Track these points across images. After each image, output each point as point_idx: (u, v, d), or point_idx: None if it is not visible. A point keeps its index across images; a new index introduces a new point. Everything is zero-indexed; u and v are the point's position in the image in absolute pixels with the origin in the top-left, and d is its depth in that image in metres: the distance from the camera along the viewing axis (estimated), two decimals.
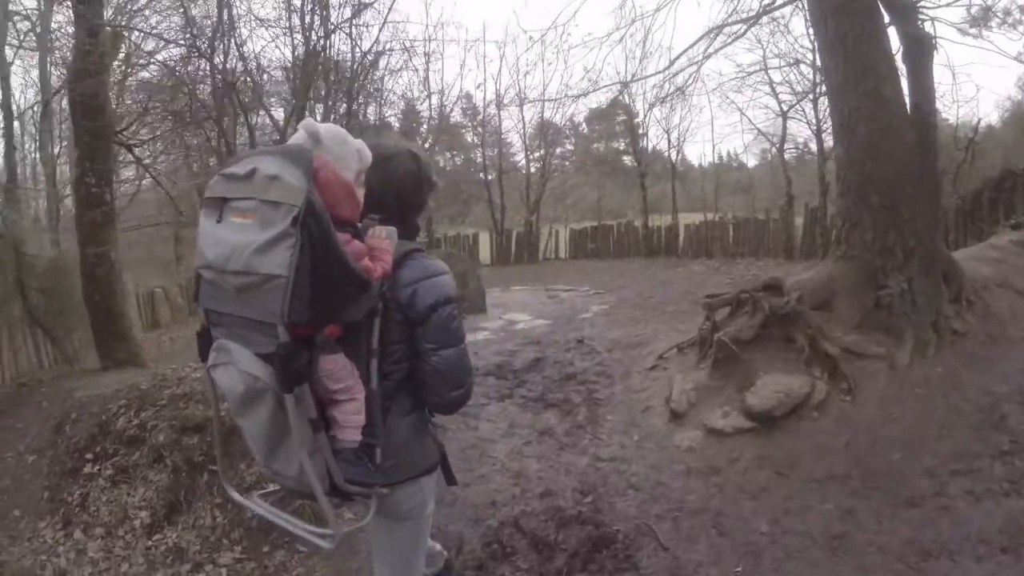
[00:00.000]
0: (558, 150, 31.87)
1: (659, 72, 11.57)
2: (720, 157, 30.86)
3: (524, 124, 23.81)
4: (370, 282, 2.18)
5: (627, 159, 23.80)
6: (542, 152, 24.62)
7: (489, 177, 24.35)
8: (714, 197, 22.75)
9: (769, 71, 19.06)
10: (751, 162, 29.93)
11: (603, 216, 24.27)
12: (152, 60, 11.19)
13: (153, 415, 6.56)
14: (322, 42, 14.05)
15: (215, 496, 5.57)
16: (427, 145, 22.71)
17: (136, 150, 10.76)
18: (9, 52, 14.17)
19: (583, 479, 5.30)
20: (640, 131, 22.74)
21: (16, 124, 16.51)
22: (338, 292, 2.13)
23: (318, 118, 14.06)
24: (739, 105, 21.30)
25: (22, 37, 13.26)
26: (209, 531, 5.35)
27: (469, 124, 26.24)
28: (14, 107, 15.76)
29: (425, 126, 24.15)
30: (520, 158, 24.13)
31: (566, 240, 21.68)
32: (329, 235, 2.04)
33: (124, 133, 9.95)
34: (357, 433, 2.33)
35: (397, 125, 23.82)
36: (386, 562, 2.85)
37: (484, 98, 24.85)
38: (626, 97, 20.58)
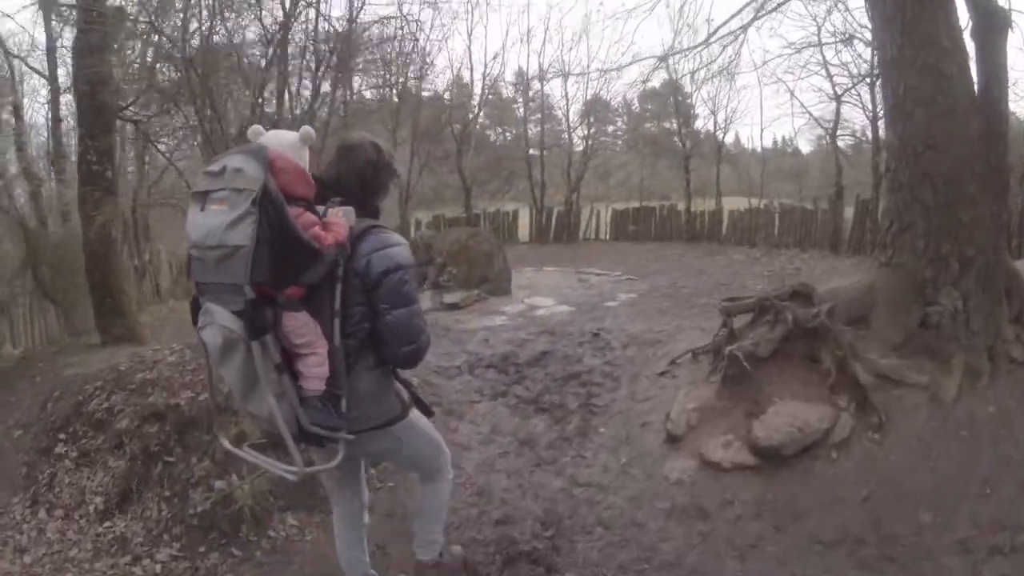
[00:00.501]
0: (609, 128, 30.91)
1: (697, 46, 10.45)
2: (775, 142, 29.34)
3: (567, 100, 22.50)
4: (320, 249, 2.60)
5: (678, 140, 22.47)
6: (592, 130, 23.56)
7: (536, 152, 23.41)
8: (763, 183, 21.22)
9: (823, 48, 17.24)
10: (805, 148, 28.27)
11: (647, 197, 23.07)
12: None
13: (122, 400, 6.60)
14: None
15: (164, 488, 5.57)
16: (477, 116, 22.03)
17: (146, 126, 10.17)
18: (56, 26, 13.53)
19: (550, 507, 4.72)
20: (692, 111, 21.51)
21: None
22: (292, 258, 2.55)
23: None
24: (789, 86, 19.67)
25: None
26: (153, 524, 5.35)
27: (520, 98, 25.04)
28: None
29: (476, 99, 23.30)
30: (567, 134, 22.94)
31: (607, 221, 20.58)
32: (282, 212, 2.50)
33: (130, 109, 9.47)
34: (320, 383, 2.72)
35: (448, 97, 23.00)
36: (414, 472, 3.58)
37: (527, 70, 23.48)
38: (673, 74, 19.33)
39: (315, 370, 2.71)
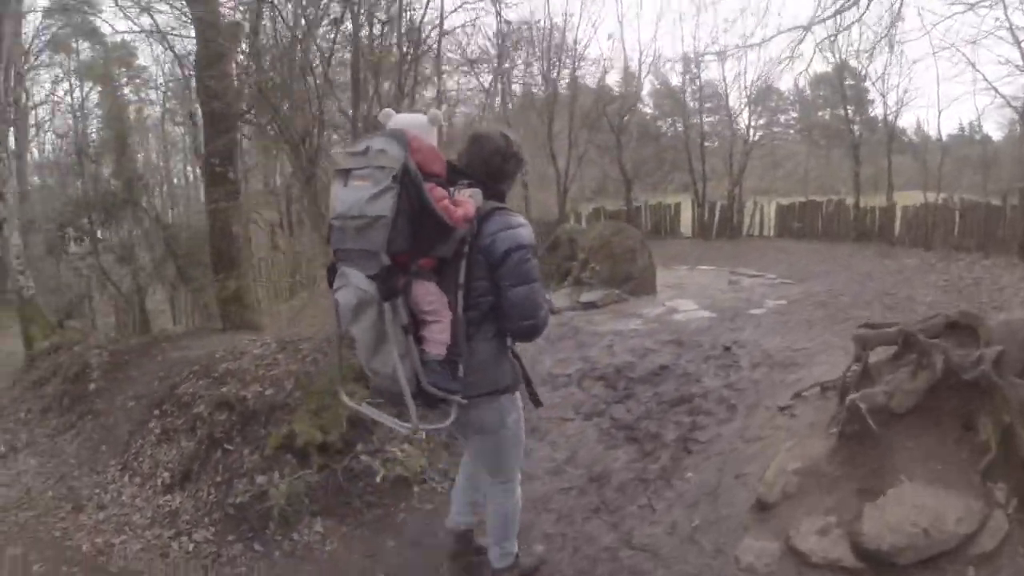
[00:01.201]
0: (781, 117, 29.01)
1: (847, 5, 8.95)
2: (960, 127, 26.11)
3: (737, 87, 20.87)
4: (451, 223, 2.77)
5: (856, 128, 20.46)
6: (760, 120, 21.99)
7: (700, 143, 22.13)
8: (942, 175, 18.82)
9: (1007, 6, 14.70)
10: (995, 134, 24.84)
11: (815, 190, 21.22)
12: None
13: (204, 386, 7.06)
14: None
15: (217, 474, 5.84)
16: (635, 105, 20.95)
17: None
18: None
19: (584, 568, 4.06)
20: (865, 96, 19.44)
21: None
22: (426, 230, 2.74)
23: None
24: (967, 55, 16.87)
25: None
26: (201, 505, 5.62)
27: (687, 87, 23.67)
28: None
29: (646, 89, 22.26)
30: (731, 124, 21.39)
31: (771, 216, 19.02)
32: (420, 187, 2.69)
33: (249, 115, 9.62)
34: (442, 348, 2.87)
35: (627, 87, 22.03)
36: (483, 467, 3.47)
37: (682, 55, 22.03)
38: (838, 53, 17.34)
39: (438, 336, 2.86)
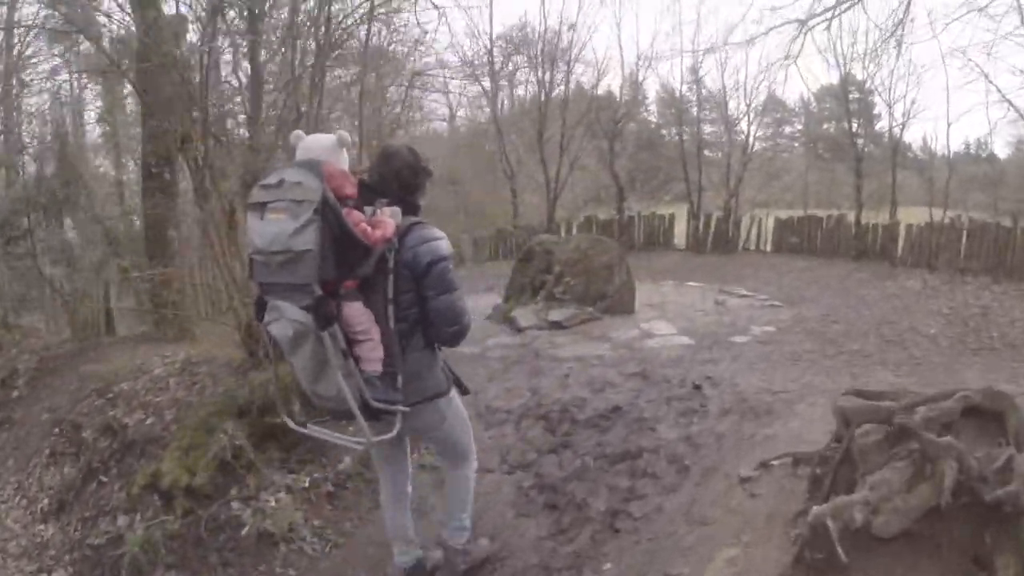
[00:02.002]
0: (786, 129, 27.70)
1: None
2: (966, 144, 24.51)
3: (724, 91, 19.32)
4: (370, 245, 2.83)
5: (861, 142, 19.07)
6: (762, 131, 20.66)
7: (708, 153, 20.82)
8: (948, 192, 16.81)
9: None
10: (1002, 151, 23.28)
11: (816, 204, 19.82)
12: None
13: (98, 406, 6.57)
14: None
15: (87, 508, 5.47)
16: (624, 111, 19.68)
17: None
18: None
19: None
20: (872, 109, 18.00)
21: None
22: (350, 255, 2.78)
23: None
24: (979, 64, 15.19)
25: None
26: (67, 541, 5.31)
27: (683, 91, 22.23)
28: None
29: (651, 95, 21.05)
30: (737, 133, 19.90)
31: (768, 230, 17.66)
32: (340, 217, 2.73)
33: None
34: (378, 364, 2.94)
35: (622, 94, 20.71)
36: (442, 458, 3.78)
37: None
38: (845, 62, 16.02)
39: (371, 354, 2.93)
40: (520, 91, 23.12)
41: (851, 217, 16.27)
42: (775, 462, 4.18)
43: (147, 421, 5.85)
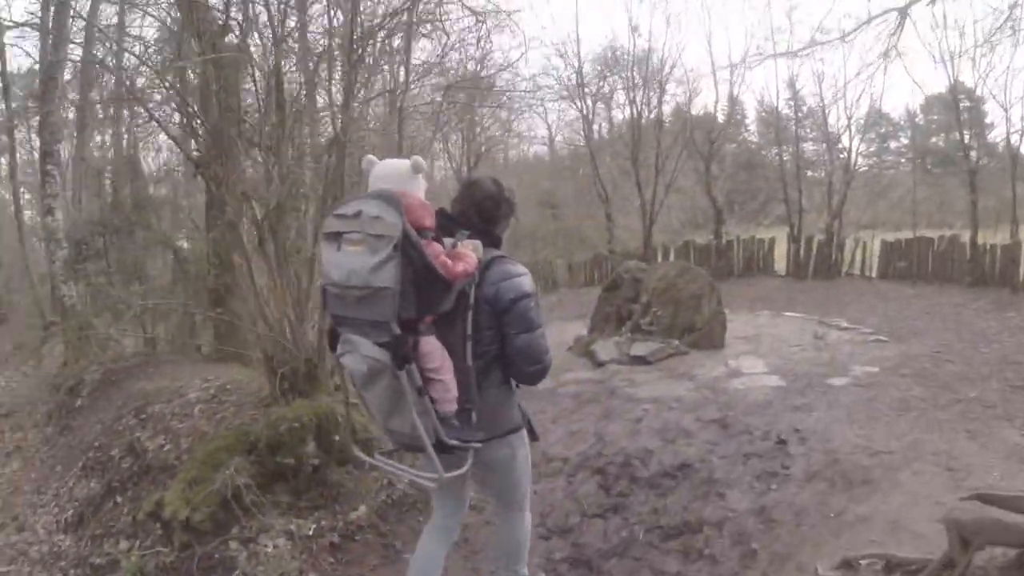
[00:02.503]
0: (891, 144, 25.92)
1: None
2: None
3: (823, 104, 17.93)
4: (451, 279, 2.65)
5: (974, 154, 17.44)
6: (868, 147, 19.22)
7: (811, 173, 19.58)
8: None
9: None
10: None
11: (926, 224, 18.20)
12: None
13: (132, 426, 6.39)
14: None
15: (101, 526, 5.31)
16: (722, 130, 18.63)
17: None
18: None
19: None
20: (984, 119, 16.32)
21: None
22: (431, 291, 2.62)
23: None
24: None
25: None
26: (79, 555, 5.16)
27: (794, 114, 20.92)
28: None
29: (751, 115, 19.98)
30: (840, 149, 18.50)
31: (874, 253, 16.28)
32: (422, 253, 2.56)
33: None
34: (453, 404, 2.77)
35: (716, 110, 19.67)
36: (499, 501, 3.37)
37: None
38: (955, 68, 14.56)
39: (444, 395, 2.74)
40: (616, 113, 22.43)
41: (965, 238, 14.74)
42: (863, 562, 3.39)
43: (165, 447, 5.70)
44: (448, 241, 2.83)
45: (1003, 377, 7.50)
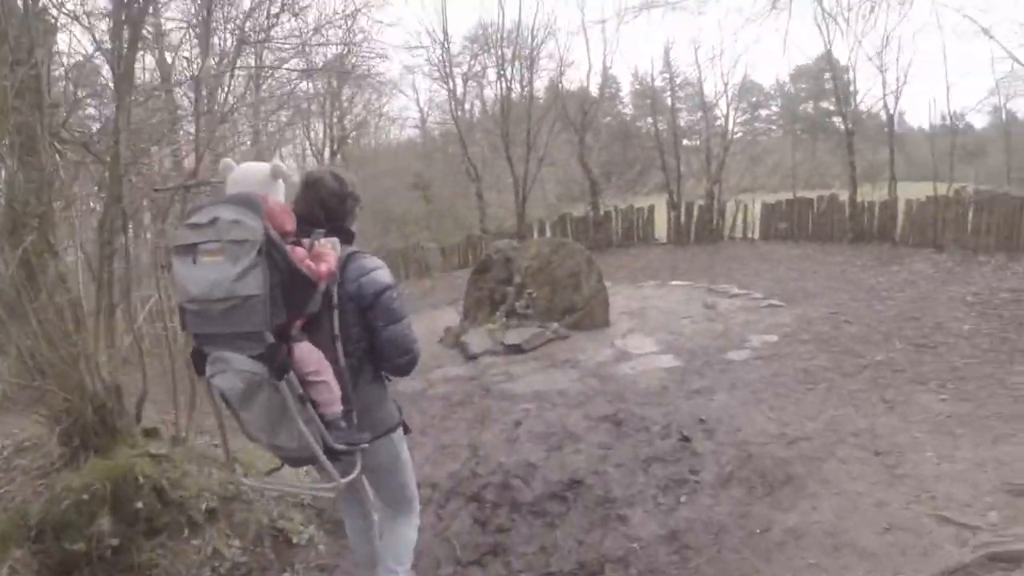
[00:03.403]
0: (763, 112, 26.06)
1: None
2: (943, 117, 22.71)
3: (699, 71, 17.49)
4: (316, 280, 2.50)
5: (837, 120, 17.31)
6: (743, 115, 18.87)
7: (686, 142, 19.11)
8: (941, 166, 14.73)
9: None
10: (979, 122, 21.58)
11: (804, 186, 18.00)
12: None
13: None
14: None
15: None
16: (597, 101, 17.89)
17: None
18: None
19: None
20: (851, 88, 15.96)
21: None
22: (298, 293, 2.44)
23: None
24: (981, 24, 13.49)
25: None
26: None
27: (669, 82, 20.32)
28: None
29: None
30: (716, 115, 18.04)
31: (755, 216, 15.89)
32: (287, 256, 2.38)
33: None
34: (338, 404, 2.61)
35: (589, 81, 18.88)
36: (387, 502, 3.16)
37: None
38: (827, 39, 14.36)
39: (327, 396, 2.57)
40: (489, 92, 21.43)
41: (843, 197, 14.49)
42: None
43: None
44: (306, 242, 2.62)
45: (904, 336, 6.89)
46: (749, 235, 15.89)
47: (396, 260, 16.65)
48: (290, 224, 2.55)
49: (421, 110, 18.94)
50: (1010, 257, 10.75)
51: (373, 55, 14.35)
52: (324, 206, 2.80)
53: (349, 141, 19.75)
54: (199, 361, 2.58)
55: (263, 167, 2.69)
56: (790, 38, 40.26)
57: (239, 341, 2.42)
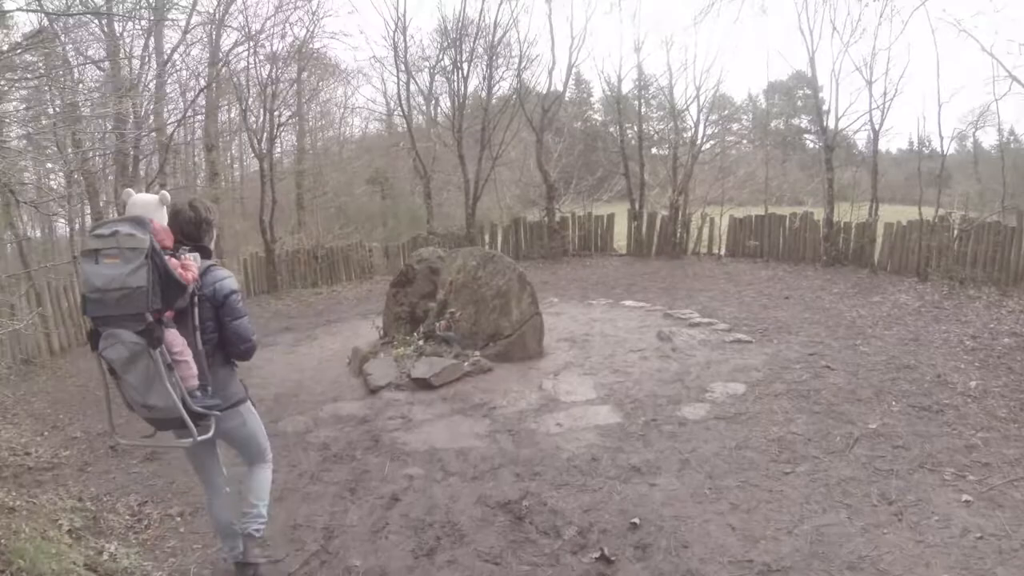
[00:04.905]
0: (734, 126, 24.74)
1: None
2: (910, 142, 21.56)
3: (670, 73, 16.09)
4: (185, 283, 3.10)
5: (809, 139, 15.93)
6: (712, 128, 17.42)
7: (658, 152, 17.65)
8: (912, 189, 13.52)
9: None
10: (950, 148, 20.48)
11: (773, 202, 16.59)
12: None
13: None
14: None
15: None
16: (558, 102, 16.30)
17: None
18: None
19: None
20: (824, 107, 14.44)
21: None
22: (171, 290, 3.04)
23: None
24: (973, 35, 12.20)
25: None
26: None
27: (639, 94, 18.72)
28: None
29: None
30: (684, 122, 16.46)
31: (722, 231, 14.48)
32: (163, 261, 2.99)
33: None
34: (195, 380, 3.18)
35: (551, 81, 17.35)
36: (247, 458, 3.71)
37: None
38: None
39: (188, 372, 3.14)
40: (460, 86, 19.80)
41: (818, 215, 13.09)
42: None
43: None
44: (177, 255, 3.17)
45: (900, 391, 5.47)
46: (715, 251, 14.49)
47: (336, 260, 14.99)
48: (168, 241, 3.15)
49: (387, 102, 17.24)
50: (1002, 292, 9.42)
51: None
52: (183, 231, 3.35)
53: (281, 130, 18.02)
54: (94, 339, 3.11)
55: (152, 197, 3.31)
56: (772, 47, 39.19)
57: (127, 321, 3.00)
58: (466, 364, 6.48)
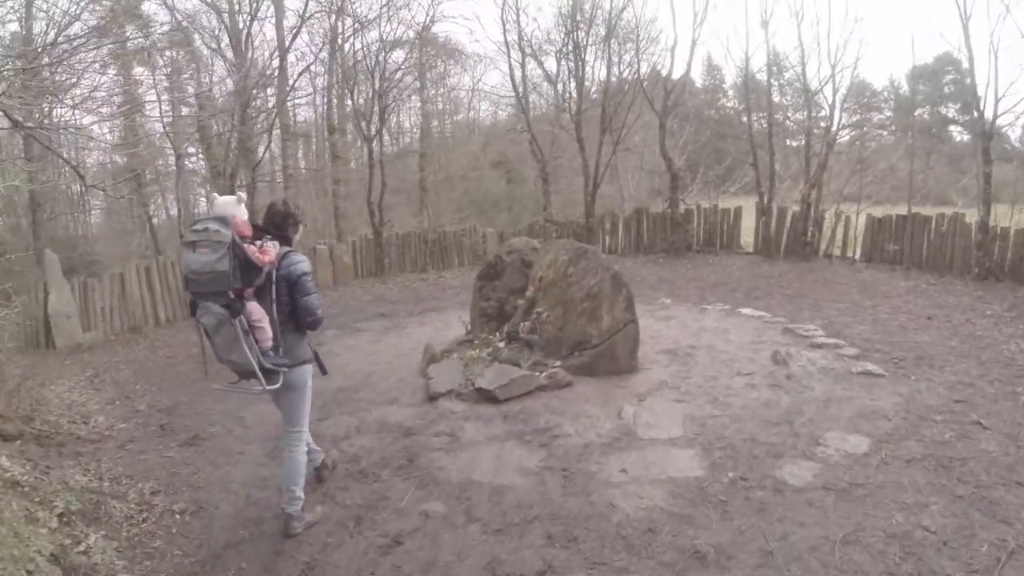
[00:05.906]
0: (875, 116, 22.13)
1: None
2: None
3: (803, 52, 14.11)
4: (262, 266, 3.67)
5: (955, 131, 13.60)
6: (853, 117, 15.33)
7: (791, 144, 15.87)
8: None
9: None
10: None
11: (917, 201, 14.31)
12: None
13: None
14: None
15: None
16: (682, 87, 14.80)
17: None
18: None
19: None
20: (975, 94, 12.00)
21: None
22: (249, 272, 3.63)
23: None
24: None
25: None
26: None
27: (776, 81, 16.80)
28: None
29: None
30: (818, 105, 14.49)
31: (857, 231, 12.61)
32: (243, 251, 3.58)
33: None
34: (269, 341, 3.75)
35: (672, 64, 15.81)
36: (288, 414, 4.11)
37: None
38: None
39: (264, 335, 3.72)
40: (590, 72, 18.70)
41: (971, 218, 10.96)
42: None
43: None
44: (258, 243, 3.78)
45: None
46: (849, 254, 12.66)
47: (448, 244, 14.34)
48: (247, 232, 3.75)
49: (516, 88, 16.33)
50: None
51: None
52: (273, 222, 4.00)
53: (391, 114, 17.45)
54: (194, 308, 3.75)
55: (231, 198, 3.91)
56: (916, 24, 34.91)
57: (214, 296, 3.60)
58: (542, 376, 5.53)
